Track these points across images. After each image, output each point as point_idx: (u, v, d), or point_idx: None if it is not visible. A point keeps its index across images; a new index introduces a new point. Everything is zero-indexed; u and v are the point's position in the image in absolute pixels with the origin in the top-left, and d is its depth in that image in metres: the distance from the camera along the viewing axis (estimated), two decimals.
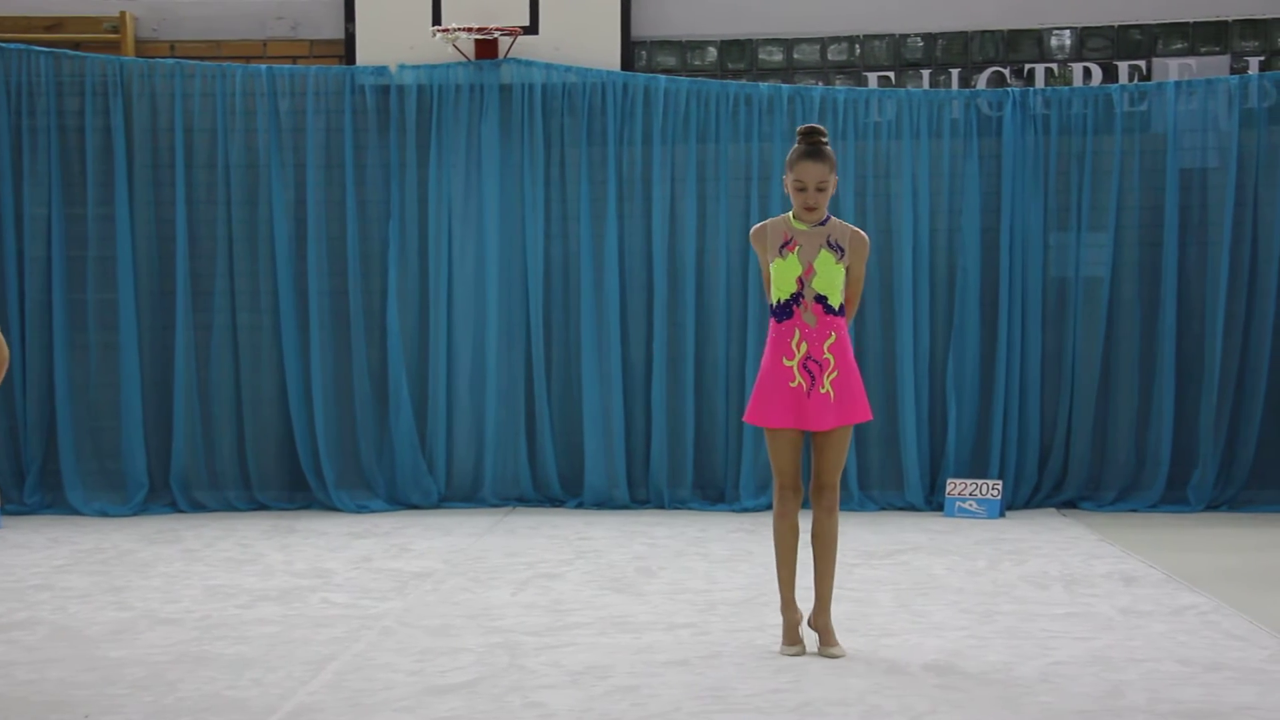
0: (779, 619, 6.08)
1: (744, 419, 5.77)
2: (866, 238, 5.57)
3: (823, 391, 5.41)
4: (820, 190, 5.43)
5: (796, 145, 5.49)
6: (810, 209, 5.45)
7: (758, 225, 5.61)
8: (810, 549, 5.51)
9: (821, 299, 5.44)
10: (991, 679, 5.12)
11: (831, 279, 5.45)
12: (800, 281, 5.44)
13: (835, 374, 5.42)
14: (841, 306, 5.48)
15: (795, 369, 5.42)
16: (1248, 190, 9.29)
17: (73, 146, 9.55)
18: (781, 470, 5.46)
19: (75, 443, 9.51)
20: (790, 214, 5.54)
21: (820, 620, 5.51)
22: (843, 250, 5.48)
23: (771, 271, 5.50)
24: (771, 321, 5.51)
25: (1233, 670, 5.21)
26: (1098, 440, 9.45)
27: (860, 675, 5.17)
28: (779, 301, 5.47)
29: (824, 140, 5.46)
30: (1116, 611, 6.22)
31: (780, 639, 5.58)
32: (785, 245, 5.48)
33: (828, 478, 5.48)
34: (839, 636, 5.55)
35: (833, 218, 5.53)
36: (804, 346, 5.42)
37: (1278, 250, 9.24)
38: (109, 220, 9.49)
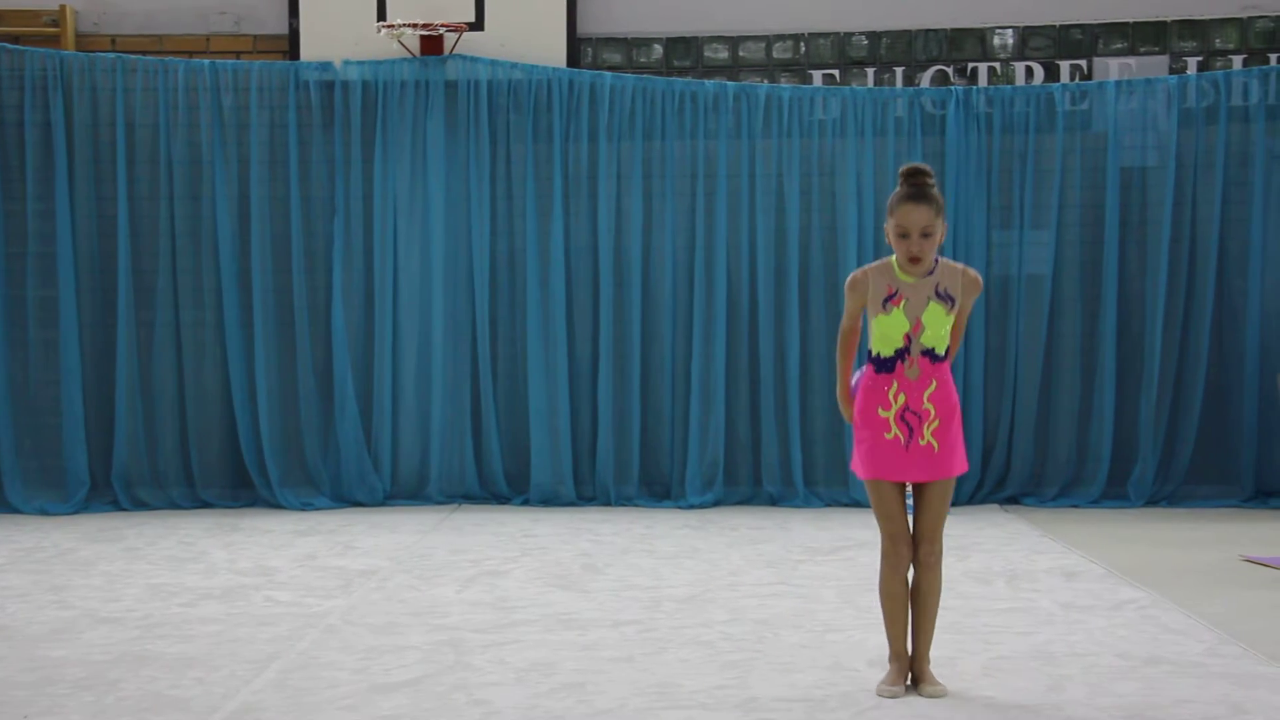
0: (726, 616, 6.12)
1: (851, 467, 5.12)
2: (979, 278, 4.99)
3: (923, 443, 4.91)
4: (926, 237, 4.82)
5: (899, 188, 4.88)
6: (915, 260, 4.85)
7: (857, 273, 5.00)
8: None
9: (929, 352, 4.91)
10: (935, 674, 5.15)
11: (941, 331, 4.90)
12: (908, 338, 4.89)
13: (936, 424, 4.91)
14: (947, 350, 4.95)
15: (891, 420, 4.91)
16: (1186, 189, 9.40)
17: (12, 141, 9.45)
18: (887, 517, 4.97)
19: (15, 440, 9.41)
20: (893, 259, 4.93)
21: (917, 667, 5.06)
22: (954, 300, 4.91)
23: (874, 325, 4.94)
24: (868, 367, 4.99)
25: (1171, 664, 5.27)
26: (1040, 437, 9.54)
27: (804, 671, 5.20)
28: (880, 355, 4.94)
29: (930, 181, 4.85)
30: (1057, 606, 6.28)
31: (883, 679, 5.05)
32: (890, 299, 4.90)
33: (926, 531, 4.97)
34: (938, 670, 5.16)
35: (941, 260, 4.93)
36: (901, 398, 4.90)
37: (1215, 248, 9.37)
38: (49, 216, 9.40)
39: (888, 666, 5.08)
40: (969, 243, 9.43)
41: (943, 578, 5.04)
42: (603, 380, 9.52)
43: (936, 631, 5.52)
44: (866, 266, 5.01)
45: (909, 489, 5.04)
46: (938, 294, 4.88)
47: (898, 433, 4.90)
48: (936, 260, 4.90)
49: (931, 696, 4.95)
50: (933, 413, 4.90)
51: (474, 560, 7.52)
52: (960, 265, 4.95)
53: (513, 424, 9.64)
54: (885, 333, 4.90)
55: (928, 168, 4.85)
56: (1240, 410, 9.40)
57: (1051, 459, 9.54)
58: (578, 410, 9.60)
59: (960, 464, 4.97)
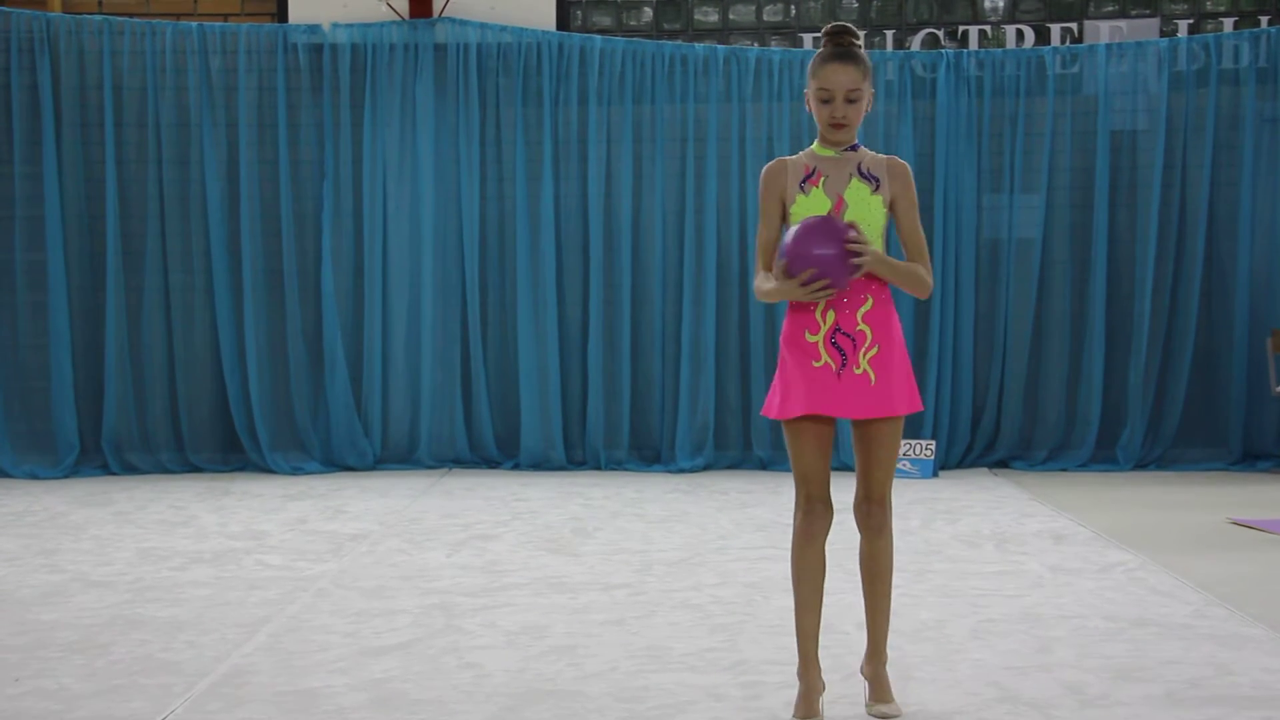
0: (715, 579, 6.12)
1: (762, 413, 4.40)
2: (906, 164, 4.27)
3: (858, 372, 4.11)
4: (851, 102, 4.13)
5: (821, 49, 4.18)
6: (838, 125, 4.15)
7: (774, 161, 4.25)
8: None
9: None
10: (924, 637, 5.18)
11: (866, 217, 4.14)
12: None
13: (875, 350, 4.11)
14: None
15: (821, 345, 4.12)
16: (1176, 153, 9.41)
17: None
18: (806, 475, 4.24)
19: (4, 404, 9.40)
20: (815, 143, 4.25)
21: (871, 668, 4.33)
22: (877, 180, 4.18)
23: (792, 217, 4.16)
24: None
25: (1158, 626, 5.30)
26: (1029, 400, 9.57)
27: (794, 634, 5.21)
28: None
29: (856, 42, 4.17)
30: (1046, 569, 6.31)
31: (793, 708, 4.28)
32: (809, 178, 4.17)
33: (873, 487, 4.26)
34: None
35: (864, 148, 4.26)
36: (831, 316, 4.11)
37: (1205, 211, 9.37)
38: (37, 179, 9.37)
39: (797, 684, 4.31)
40: (959, 206, 9.43)
41: (894, 547, 4.34)
42: (593, 344, 9.53)
43: (927, 594, 5.50)
44: (785, 157, 4.30)
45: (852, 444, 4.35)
46: (860, 172, 4.19)
47: (828, 359, 4.11)
48: (858, 146, 4.24)
49: (880, 717, 4.20)
50: (869, 336, 4.12)
51: (464, 524, 7.54)
52: (886, 155, 4.33)
53: (503, 388, 9.64)
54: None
55: (853, 28, 4.18)
56: (1229, 373, 9.43)
57: (1041, 422, 9.57)
58: (568, 374, 9.61)
59: (907, 402, 4.19)
